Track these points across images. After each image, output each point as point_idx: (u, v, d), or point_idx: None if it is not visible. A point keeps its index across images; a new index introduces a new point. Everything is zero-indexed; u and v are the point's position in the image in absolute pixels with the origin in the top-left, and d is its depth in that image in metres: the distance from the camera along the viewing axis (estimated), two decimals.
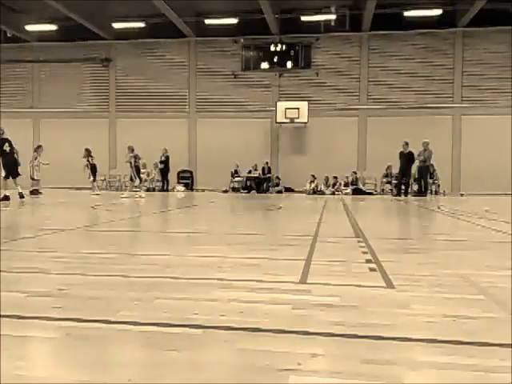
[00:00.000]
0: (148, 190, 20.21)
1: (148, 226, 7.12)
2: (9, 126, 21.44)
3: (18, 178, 11.86)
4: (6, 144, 11.67)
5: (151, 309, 2.49)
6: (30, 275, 3.32)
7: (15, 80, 22.53)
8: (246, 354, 1.90)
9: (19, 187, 11.77)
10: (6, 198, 11.27)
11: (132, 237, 5.88)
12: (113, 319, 2.30)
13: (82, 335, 2.11)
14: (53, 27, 20.39)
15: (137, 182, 15.43)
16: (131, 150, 15.09)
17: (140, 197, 14.71)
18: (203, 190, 20.39)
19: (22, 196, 11.52)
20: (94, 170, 16.14)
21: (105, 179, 21.20)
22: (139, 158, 15.49)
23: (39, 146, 15.07)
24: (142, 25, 20.16)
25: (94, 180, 16.24)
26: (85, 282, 3.13)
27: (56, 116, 22.25)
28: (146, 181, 20.61)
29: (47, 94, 22.45)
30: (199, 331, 2.16)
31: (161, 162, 19.80)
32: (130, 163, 15.04)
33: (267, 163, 20.49)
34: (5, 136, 11.84)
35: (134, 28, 20.33)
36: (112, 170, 21.58)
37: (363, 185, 19.36)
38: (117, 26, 20.19)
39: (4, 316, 2.33)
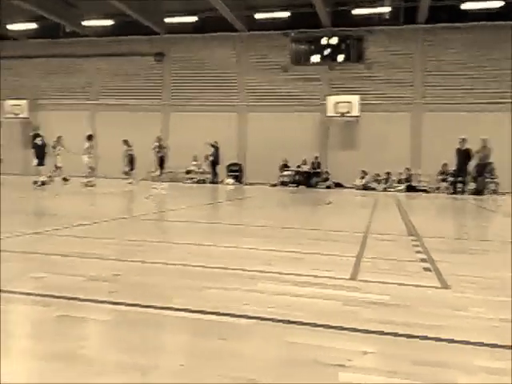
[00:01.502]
0: (198, 182, 20.60)
1: (198, 217, 7.24)
2: (67, 118, 22.63)
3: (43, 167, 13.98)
4: (39, 138, 13.89)
5: (201, 297, 2.53)
6: (87, 260, 3.46)
7: (73, 74, 23.47)
8: (294, 347, 1.89)
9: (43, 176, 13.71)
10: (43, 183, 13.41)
11: (183, 227, 5.99)
12: (165, 305, 2.35)
13: (136, 319, 2.17)
14: (109, 22, 21.05)
15: (126, 168, 16.16)
16: (127, 143, 16.27)
17: (130, 184, 15.50)
18: (252, 184, 20.50)
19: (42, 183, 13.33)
20: (131, 160, 16.76)
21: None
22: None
23: (59, 137, 15.88)
24: (194, 19, 20.42)
25: (131, 169, 16.81)
26: (138, 269, 3.22)
27: (111, 109, 23.01)
28: (196, 173, 21.00)
29: (103, 87, 23.24)
30: (247, 322, 2.17)
31: (211, 155, 20.06)
32: (130, 155, 15.93)
33: (317, 158, 20.30)
34: (40, 131, 14.19)
35: (186, 22, 20.64)
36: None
37: (418, 182, 18.80)
38: (169, 20, 20.56)
39: (65, 298, 2.44)
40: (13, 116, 23.01)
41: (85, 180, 14.82)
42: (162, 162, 16.23)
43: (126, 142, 17.05)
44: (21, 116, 23.14)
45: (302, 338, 1.99)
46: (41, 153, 13.91)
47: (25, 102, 23.25)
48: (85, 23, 21.10)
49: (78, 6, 20.17)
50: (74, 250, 3.79)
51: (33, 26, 21.70)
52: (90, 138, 15.88)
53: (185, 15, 20.20)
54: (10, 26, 21.62)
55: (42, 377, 1.58)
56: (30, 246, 4.05)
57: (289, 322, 2.18)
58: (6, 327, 2.08)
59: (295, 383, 1.61)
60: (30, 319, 2.18)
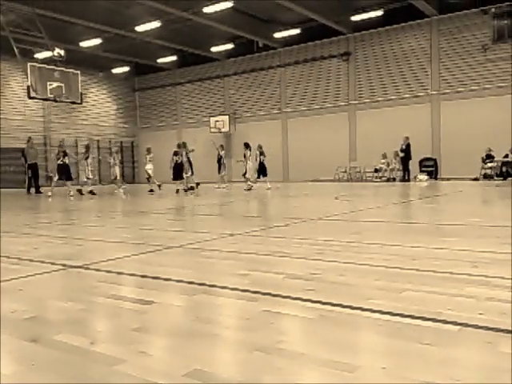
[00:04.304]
0: (388, 180, 19.98)
1: (389, 217, 7.03)
2: (260, 128, 24.39)
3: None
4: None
5: (401, 300, 2.45)
6: (285, 259, 3.67)
7: (266, 86, 25.16)
8: (510, 358, 1.69)
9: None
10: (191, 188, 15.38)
11: (376, 227, 5.89)
12: (362, 306, 2.35)
13: (334, 318, 2.21)
14: (296, 31, 21.96)
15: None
16: (148, 151, 16.48)
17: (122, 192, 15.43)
18: (449, 179, 18.99)
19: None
20: (262, 167, 16.35)
21: (345, 171, 21.83)
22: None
23: (148, 149, 16.77)
24: (379, 13, 19.90)
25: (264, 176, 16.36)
26: (333, 268, 3.28)
27: (300, 115, 23.98)
28: (386, 171, 20.37)
29: (292, 94, 24.36)
30: (454, 328, 2.01)
31: (401, 151, 19.25)
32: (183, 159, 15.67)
33: None
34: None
35: (372, 18, 20.22)
36: (352, 162, 22.06)
37: None
38: (355, 18, 20.41)
39: (265, 294, 2.64)
40: (216, 131, 25.85)
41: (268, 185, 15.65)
42: (261, 168, 16.06)
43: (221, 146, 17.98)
44: (223, 130, 25.88)
45: None
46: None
47: (226, 117, 25.90)
48: (276, 35, 22.42)
49: (269, 20, 21.54)
50: (272, 250, 4.06)
51: (230, 46, 24.01)
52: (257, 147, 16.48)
53: (370, 11, 19.83)
54: (213, 49, 24.33)
55: (245, 365, 1.73)
56: (234, 245, 4.48)
57: (504, 331, 1.96)
58: (220, 318, 2.34)
59: None
60: (239, 312, 2.41)
